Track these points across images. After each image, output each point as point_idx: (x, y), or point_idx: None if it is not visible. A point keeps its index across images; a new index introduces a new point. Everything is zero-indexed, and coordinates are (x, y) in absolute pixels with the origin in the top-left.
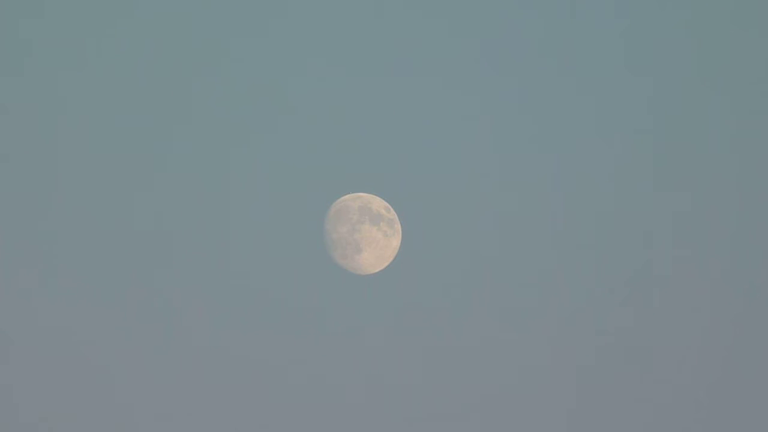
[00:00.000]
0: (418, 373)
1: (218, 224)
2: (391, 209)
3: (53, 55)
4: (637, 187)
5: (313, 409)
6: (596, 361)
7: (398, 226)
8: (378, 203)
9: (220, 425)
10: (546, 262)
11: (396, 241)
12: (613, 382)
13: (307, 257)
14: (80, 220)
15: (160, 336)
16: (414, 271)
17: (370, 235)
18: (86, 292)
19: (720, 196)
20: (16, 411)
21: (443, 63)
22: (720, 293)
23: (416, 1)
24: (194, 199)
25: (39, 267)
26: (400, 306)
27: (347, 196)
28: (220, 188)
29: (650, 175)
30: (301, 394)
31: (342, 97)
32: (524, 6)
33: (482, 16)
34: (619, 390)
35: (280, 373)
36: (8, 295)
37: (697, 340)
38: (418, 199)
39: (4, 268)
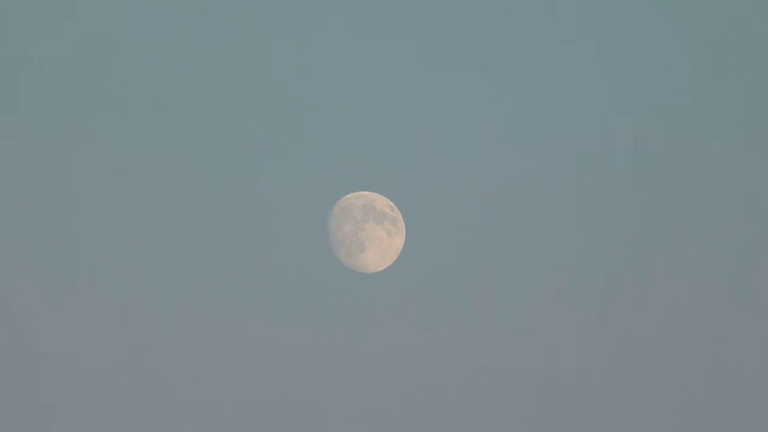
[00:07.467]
0: (420, 371)
1: (221, 223)
2: (395, 207)
3: (68, 68)
4: (636, 187)
5: (315, 407)
6: (596, 361)
7: (402, 225)
8: (382, 202)
9: (222, 422)
10: (548, 261)
11: (400, 240)
12: (613, 382)
13: (311, 256)
14: (93, 219)
15: (162, 333)
16: (418, 270)
17: (374, 234)
18: (92, 291)
19: (718, 197)
20: (34, 405)
21: (447, 63)
22: (718, 293)
23: (419, 4)
24: (196, 198)
25: (50, 267)
26: (404, 304)
27: (351, 195)
28: (224, 188)
29: (650, 175)
30: (304, 391)
31: (345, 97)
32: (525, 9)
33: (485, 17)
34: (618, 390)
35: (283, 370)
36: (14, 295)
37: (693, 341)
38: (421, 198)
39: (22, 269)
